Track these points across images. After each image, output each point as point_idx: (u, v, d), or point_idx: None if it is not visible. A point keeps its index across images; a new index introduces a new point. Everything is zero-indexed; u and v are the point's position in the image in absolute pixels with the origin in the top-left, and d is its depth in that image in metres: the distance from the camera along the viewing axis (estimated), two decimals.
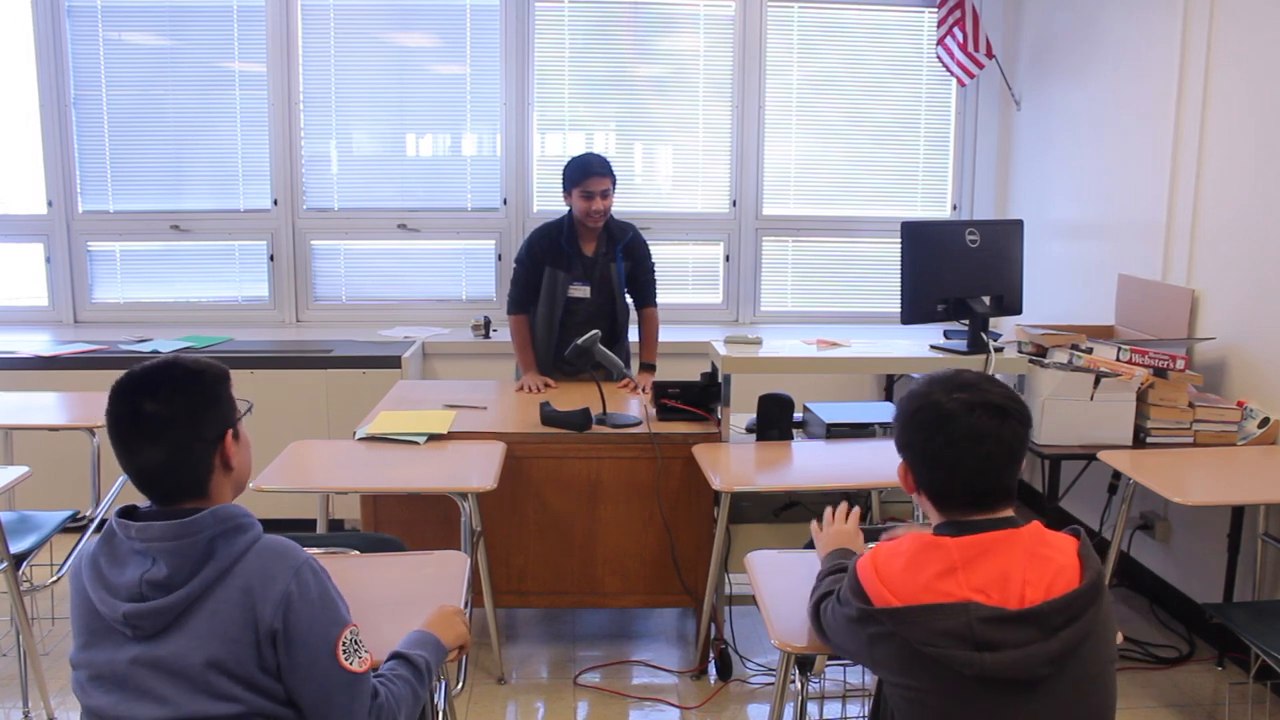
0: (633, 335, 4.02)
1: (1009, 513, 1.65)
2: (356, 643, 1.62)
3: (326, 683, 1.57)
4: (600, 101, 5.13)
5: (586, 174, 3.68)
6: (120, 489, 3.58)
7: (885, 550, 1.66)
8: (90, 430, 3.31)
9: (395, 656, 1.76)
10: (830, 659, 2.06)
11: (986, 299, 3.56)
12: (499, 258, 5.14)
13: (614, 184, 3.74)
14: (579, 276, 3.80)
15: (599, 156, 3.75)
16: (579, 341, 3.41)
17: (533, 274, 3.81)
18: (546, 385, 3.76)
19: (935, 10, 4.88)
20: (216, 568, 1.55)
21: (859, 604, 1.63)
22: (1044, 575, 1.56)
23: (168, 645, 1.53)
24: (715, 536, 3.13)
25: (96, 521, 3.42)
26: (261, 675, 1.56)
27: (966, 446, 1.60)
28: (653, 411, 3.42)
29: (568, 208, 3.79)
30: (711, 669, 3.34)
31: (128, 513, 1.60)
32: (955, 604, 1.53)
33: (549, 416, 3.33)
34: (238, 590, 1.55)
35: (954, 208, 5.33)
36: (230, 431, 1.64)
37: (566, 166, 3.74)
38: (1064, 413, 3.29)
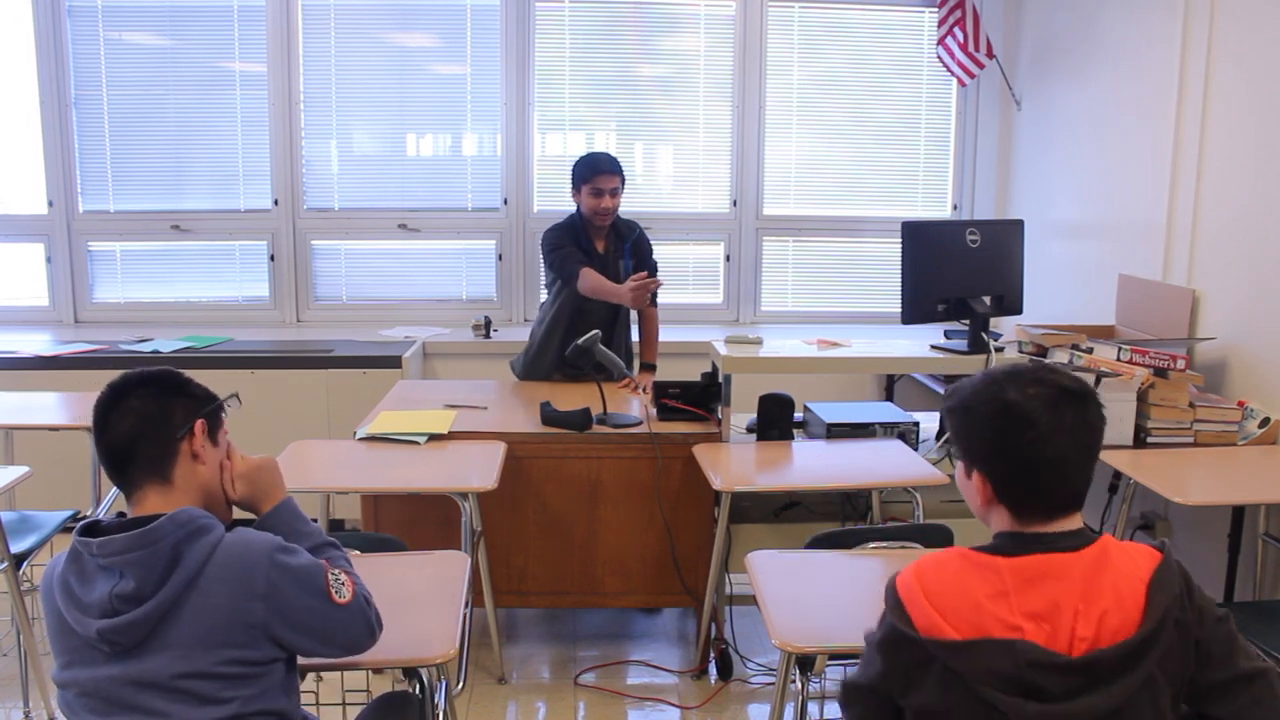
0: (632, 335, 4.03)
1: (1078, 522, 1.54)
2: (335, 575, 1.67)
3: (336, 624, 1.65)
4: (601, 101, 5.13)
5: (596, 171, 3.69)
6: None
7: (930, 564, 1.53)
8: (91, 430, 3.31)
9: (314, 550, 1.78)
10: (831, 659, 2.06)
11: (987, 299, 3.55)
12: (499, 258, 5.14)
13: (623, 182, 3.75)
14: None
15: (608, 155, 3.76)
16: (579, 341, 3.41)
17: (573, 248, 3.75)
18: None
19: (935, 10, 4.88)
20: (185, 573, 1.53)
21: (899, 625, 1.50)
22: (1095, 608, 1.45)
23: (148, 659, 1.52)
24: (715, 536, 3.13)
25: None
26: (254, 668, 1.56)
27: (1060, 442, 1.48)
28: (653, 411, 3.42)
29: (575, 206, 3.79)
30: (712, 669, 3.34)
31: (89, 530, 1.59)
32: (1001, 641, 1.43)
33: (549, 416, 3.33)
34: (220, 595, 1.54)
35: (954, 208, 5.33)
36: (202, 422, 1.68)
37: (576, 164, 3.75)
38: None
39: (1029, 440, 1.48)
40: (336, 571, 1.69)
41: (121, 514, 1.63)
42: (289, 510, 1.81)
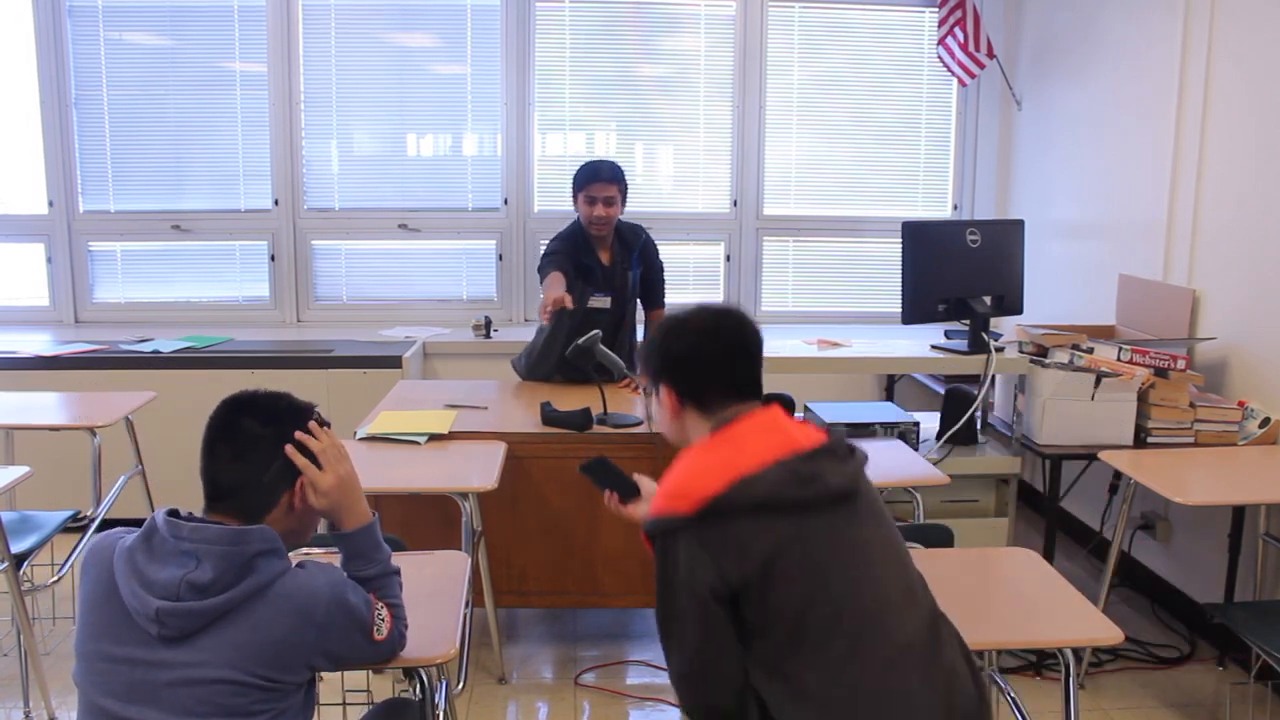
0: (637, 336, 4.02)
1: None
2: (379, 610, 1.75)
3: (365, 656, 1.75)
4: (601, 101, 5.13)
5: (593, 179, 3.66)
6: (120, 489, 3.59)
7: (672, 482, 1.74)
8: (91, 430, 3.32)
9: (378, 577, 1.82)
10: None
11: (987, 299, 3.56)
12: (500, 258, 5.14)
13: (622, 192, 3.70)
14: (600, 287, 3.77)
15: (610, 163, 3.70)
16: (579, 341, 3.40)
17: (568, 256, 3.69)
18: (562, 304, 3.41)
19: (936, 10, 4.88)
20: (256, 582, 1.58)
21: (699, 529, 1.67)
22: (805, 430, 1.78)
23: (193, 654, 1.54)
24: None
25: (97, 522, 3.42)
26: (286, 687, 1.60)
27: (718, 332, 1.84)
28: None
29: (576, 214, 3.77)
30: None
31: (173, 515, 1.63)
32: (772, 463, 1.68)
33: (550, 416, 3.33)
34: (282, 613, 1.58)
35: (955, 208, 5.33)
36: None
37: (577, 170, 3.72)
38: (1065, 413, 3.29)
39: (691, 336, 1.85)
40: (380, 607, 1.76)
41: (191, 514, 1.66)
42: (371, 535, 1.82)
